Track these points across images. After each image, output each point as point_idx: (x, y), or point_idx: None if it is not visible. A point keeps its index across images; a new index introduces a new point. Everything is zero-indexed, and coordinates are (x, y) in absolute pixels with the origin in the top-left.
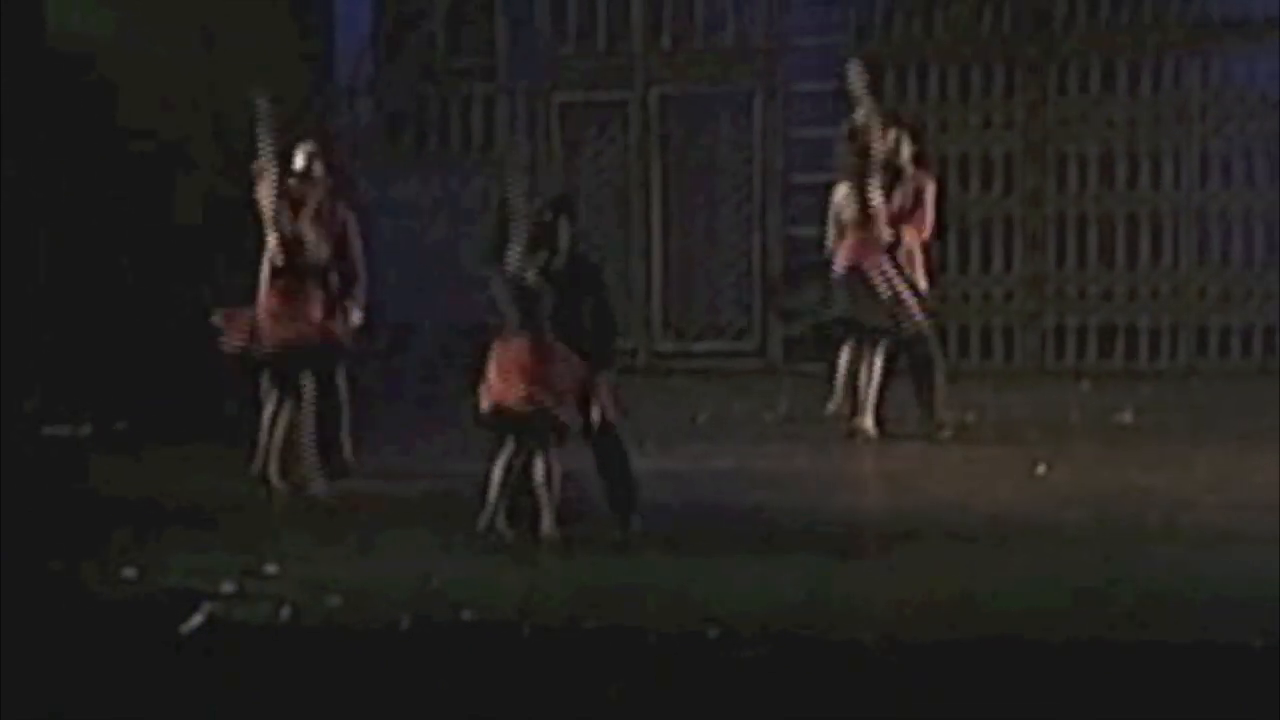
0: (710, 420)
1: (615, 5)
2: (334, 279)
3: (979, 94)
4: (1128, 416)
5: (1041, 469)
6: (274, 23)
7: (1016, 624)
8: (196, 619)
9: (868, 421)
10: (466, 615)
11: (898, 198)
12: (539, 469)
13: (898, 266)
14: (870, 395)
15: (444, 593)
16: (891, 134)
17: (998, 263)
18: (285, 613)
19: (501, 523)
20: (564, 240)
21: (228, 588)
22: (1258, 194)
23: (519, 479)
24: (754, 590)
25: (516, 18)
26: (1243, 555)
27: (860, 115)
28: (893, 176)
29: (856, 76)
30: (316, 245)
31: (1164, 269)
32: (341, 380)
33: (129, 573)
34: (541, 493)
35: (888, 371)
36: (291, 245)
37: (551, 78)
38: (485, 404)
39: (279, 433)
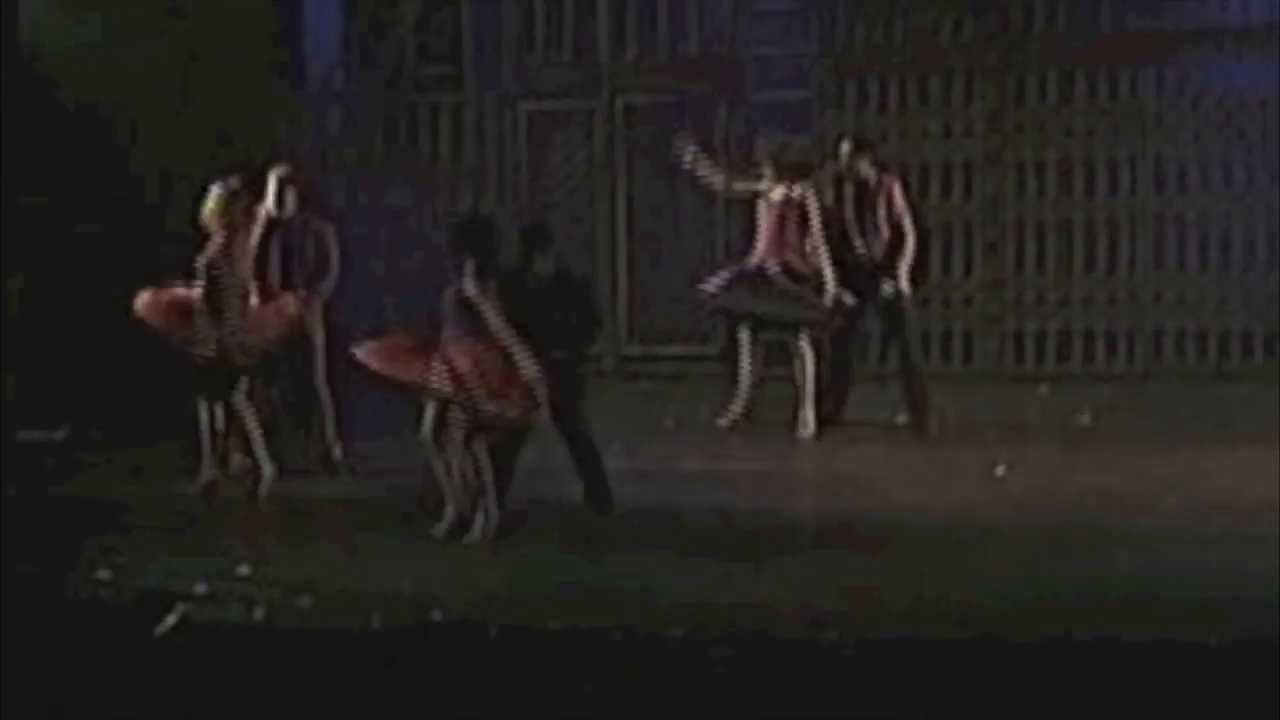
0: (676, 423)
1: (581, 16)
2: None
3: (939, 102)
4: (1086, 419)
5: (1001, 470)
6: (245, 31)
7: (976, 623)
8: (170, 620)
9: (808, 418)
10: (436, 615)
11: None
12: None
13: (809, 268)
14: (805, 393)
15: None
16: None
17: (958, 268)
18: (258, 613)
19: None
20: (538, 265)
21: (201, 589)
22: (1213, 200)
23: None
24: (719, 590)
25: (484, 28)
26: (1200, 555)
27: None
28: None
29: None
30: (290, 260)
31: (1121, 274)
32: (322, 380)
33: (103, 574)
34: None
35: (818, 372)
36: (267, 263)
37: (518, 87)
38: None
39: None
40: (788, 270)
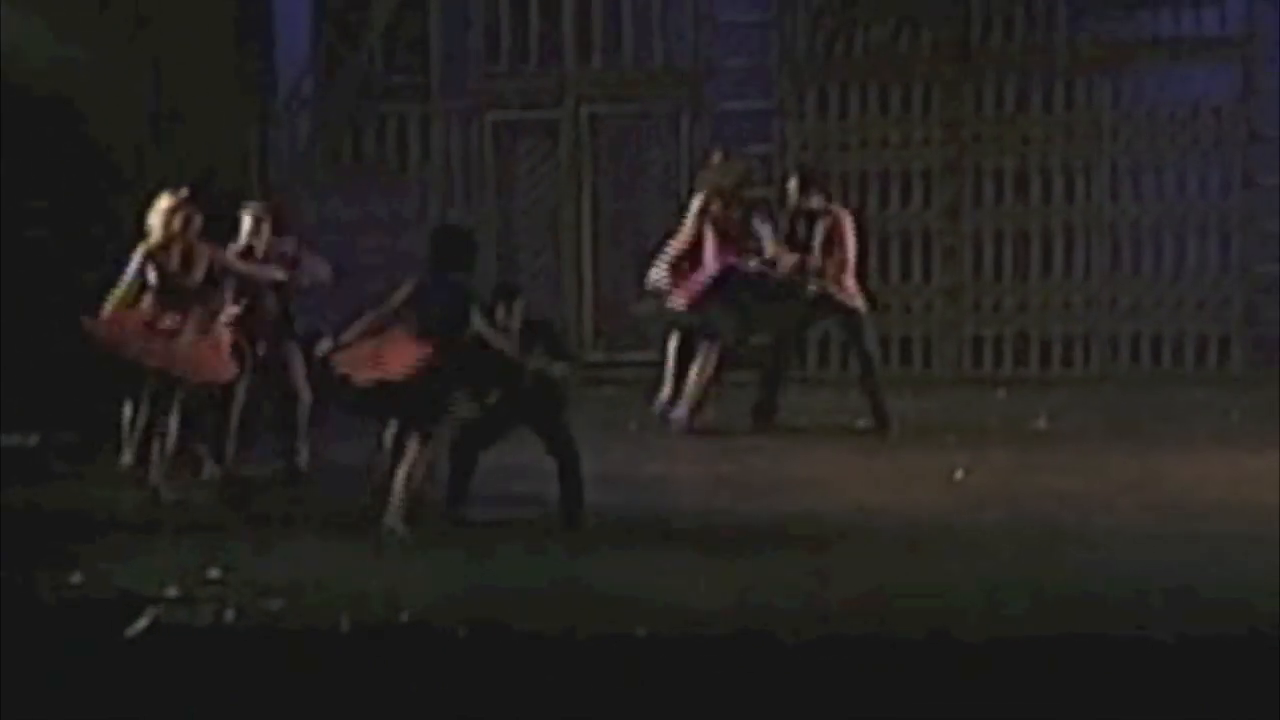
0: (639, 428)
1: (547, 27)
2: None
3: (899, 112)
4: (1043, 422)
5: (960, 473)
6: (216, 42)
7: (937, 622)
8: (142, 622)
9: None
10: (404, 617)
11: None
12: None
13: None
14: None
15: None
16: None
17: (917, 274)
18: (229, 615)
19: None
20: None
21: (172, 592)
22: (1166, 207)
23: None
24: (684, 591)
25: (451, 39)
26: (1155, 554)
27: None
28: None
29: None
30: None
31: (1077, 280)
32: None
33: (76, 578)
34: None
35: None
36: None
37: (485, 97)
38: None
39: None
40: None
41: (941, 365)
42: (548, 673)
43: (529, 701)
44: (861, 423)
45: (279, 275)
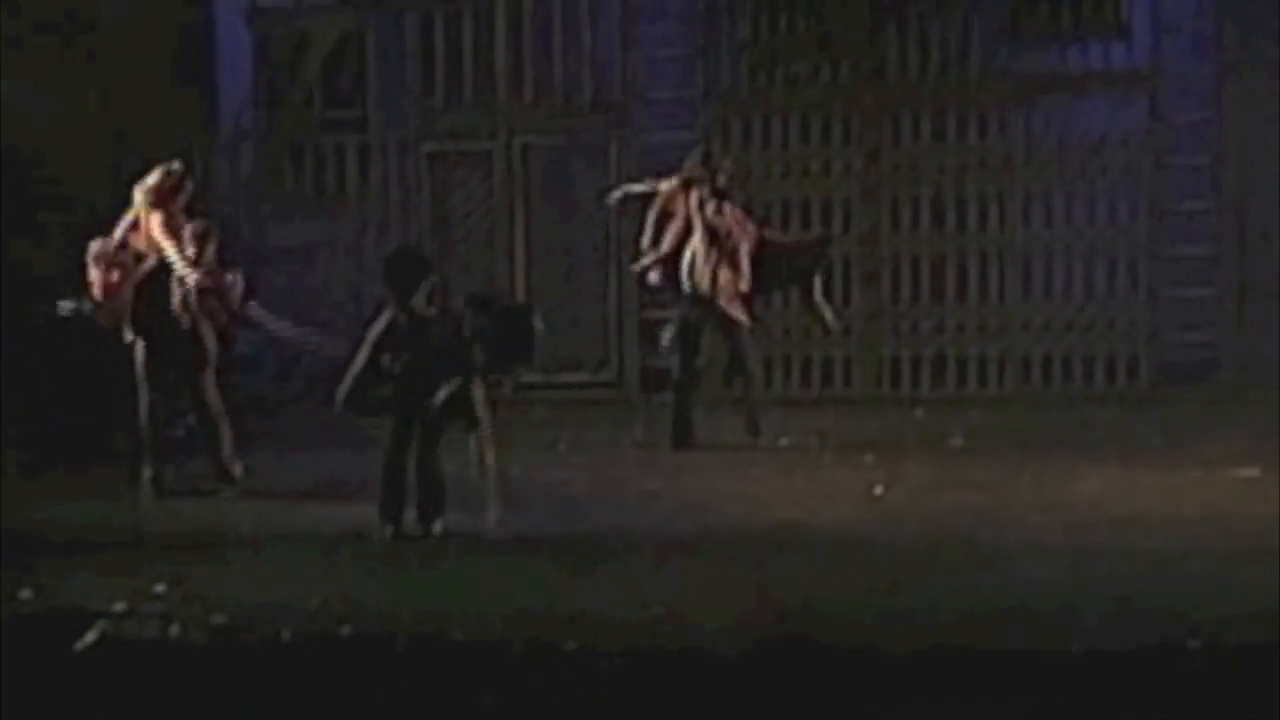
0: (571, 446)
1: (481, 61)
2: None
3: (820, 142)
4: (959, 440)
5: (879, 490)
6: (161, 78)
7: (857, 633)
8: (90, 636)
9: None
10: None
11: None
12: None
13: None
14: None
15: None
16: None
17: (838, 298)
18: (174, 630)
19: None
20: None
21: (119, 606)
22: (1076, 234)
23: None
24: (611, 604)
25: (388, 72)
26: (1067, 567)
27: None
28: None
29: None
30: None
31: (991, 303)
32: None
33: (25, 594)
34: None
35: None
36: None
37: (420, 128)
38: None
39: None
40: None
41: (861, 385)
42: (483, 685)
43: (465, 714)
44: (784, 440)
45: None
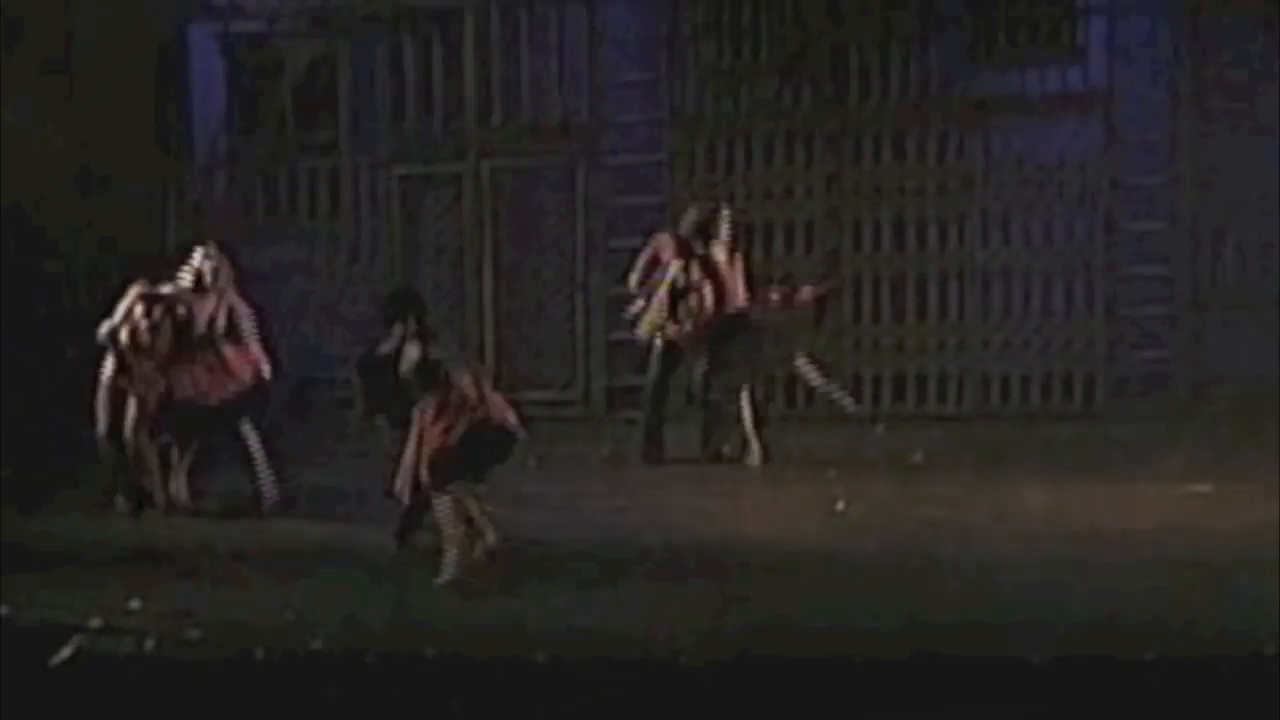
0: (539, 463)
1: (450, 85)
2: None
3: (782, 164)
4: (919, 456)
5: (841, 505)
6: (136, 105)
7: (820, 644)
8: (66, 651)
9: None
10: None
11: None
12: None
13: None
14: None
15: None
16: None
17: None
18: (149, 644)
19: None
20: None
21: (95, 622)
22: (1034, 254)
23: None
24: (581, 618)
25: (359, 97)
26: (1025, 580)
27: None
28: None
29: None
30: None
31: (950, 322)
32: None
33: (3, 610)
34: None
35: None
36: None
37: (391, 152)
38: None
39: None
40: None
41: (824, 403)
42: (452, 698)
43: None
44: (751, 459)
45: None
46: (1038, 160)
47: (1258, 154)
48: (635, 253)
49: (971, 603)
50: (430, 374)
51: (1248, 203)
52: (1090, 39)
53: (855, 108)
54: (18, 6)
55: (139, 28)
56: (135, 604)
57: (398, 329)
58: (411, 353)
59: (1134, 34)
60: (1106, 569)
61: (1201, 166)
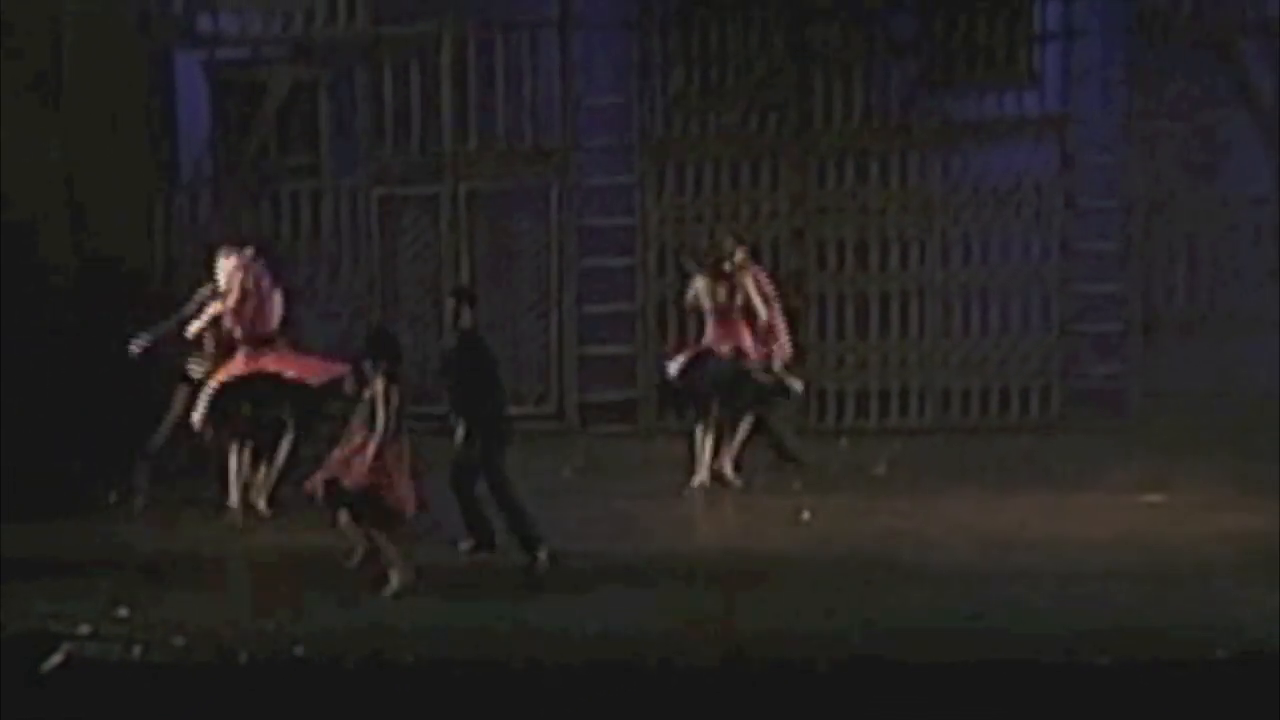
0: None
1: (428, 110)
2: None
3: (748, 186)
4: (881, 469)
5: (806, 515)
6: (124, 130)
7: (786, 648)
8: (56, 658)
9: None
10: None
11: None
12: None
13: None
14: None
15: None
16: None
17: None
18: (137, 651)
19: None
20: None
21: (84, 629)
22: (992, 272)
23: None
24: (557, 623)
25: (339, 121)
26: (984, 586)
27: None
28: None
29: None
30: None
31: (912, 338)
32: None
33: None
34: None
35: None
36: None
37: (370, 174)
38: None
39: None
40: None
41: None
42: (442, 701)
43: None
44: (727, 469)
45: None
46: (995, 182)
47: (1208, 176)
48: (606, 272)
49: (934, 607)
50: (370, 410)
51: (1198, 223)
52: (1046, 66)
53: (819, 132)
54: (8, 35)
55: (127, 53)
56: (123, 612)
57: (367, 365)
58: (374, 386)
59: (1088, 59)
60: (1064, 576)
61: (1152, 188)
